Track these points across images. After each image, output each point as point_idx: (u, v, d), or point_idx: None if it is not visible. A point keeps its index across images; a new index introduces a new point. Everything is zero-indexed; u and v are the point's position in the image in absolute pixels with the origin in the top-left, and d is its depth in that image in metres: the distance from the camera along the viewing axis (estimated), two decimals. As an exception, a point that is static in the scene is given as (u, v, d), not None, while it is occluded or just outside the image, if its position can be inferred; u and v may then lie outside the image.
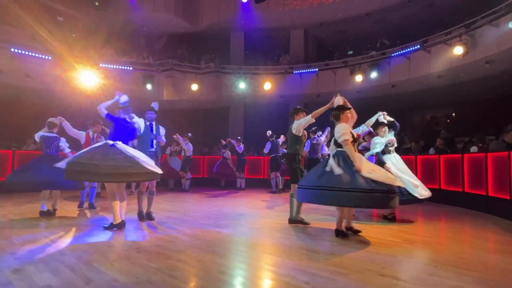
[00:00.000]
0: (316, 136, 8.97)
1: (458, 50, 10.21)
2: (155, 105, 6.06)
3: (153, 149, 5.82)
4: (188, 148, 11.01)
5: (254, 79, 14.78)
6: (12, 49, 11.11)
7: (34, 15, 10.85)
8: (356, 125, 5.59)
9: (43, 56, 11.66)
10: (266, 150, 10.96)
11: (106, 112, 5.00)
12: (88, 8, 13.53)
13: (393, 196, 4.27)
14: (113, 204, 4.91)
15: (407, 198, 5.69)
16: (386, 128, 6.12)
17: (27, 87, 11.62)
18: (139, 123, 5.66)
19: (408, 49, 12.29)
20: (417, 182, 5.83)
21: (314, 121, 5.43)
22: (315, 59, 15.88)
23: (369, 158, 5.87)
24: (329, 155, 4.78)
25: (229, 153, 12.03)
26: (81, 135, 6.84)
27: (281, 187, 11.16)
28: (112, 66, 13.27)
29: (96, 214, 6.35)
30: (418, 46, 11.96)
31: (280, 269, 3.36)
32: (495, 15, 9.48)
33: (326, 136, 9.13)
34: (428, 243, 4.52)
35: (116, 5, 13.76)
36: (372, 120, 6.21)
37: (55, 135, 6.11)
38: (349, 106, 4.89)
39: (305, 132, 6.03)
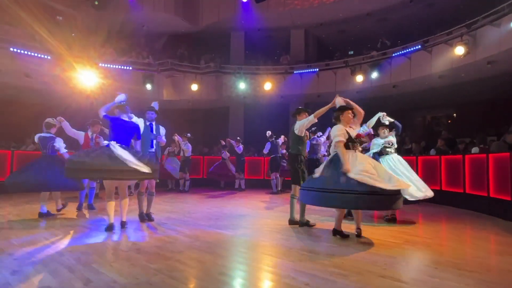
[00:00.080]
0: (315, 136, 8.93)
1: (459, 50, 10.18)
2: (155, 104, 6.02)
3: (153, 150, 5.79)
4: (187, 148, 10.99)
5: (254, 79, 14.76)
6: (12, 49, 11.10)
7: (33, 15, 10.83)
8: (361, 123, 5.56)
9: (43, 56, 11.64)
10: (265, 151, 10.93)
11: (103, 113, 5.00)
12: (88, 7, 13.49)
13: (393, 198, 4.24)
14: (107, 205, 4.95)
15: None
16: (386, 129, 6.10)
17: (27, 87, 11.59)
18: (139, 123, 5.62)
19: (409, 49, 12.27)
20: (414, 183, 5.76)
21: (316, 121, 5.41)
22: (315, 59, 15.85)
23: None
24: (325, 155, 4.81)
25: (227, 153, 11.99)
26: (79, 135, 6.81)
27: (279, 188, 11.14)
28: (111, 65, 13.24)
29: (95, 215, 6.32)
30: (419, 46, 11.93)
31: (280, 270, 3.34)
32: (496, 15, 9.45)
33: (326, 137, 9.10)
34: (429, 244, 4.50)
35: (116, 5, 13.72)
36: (373, 121, 6.18)
37: (52, 135, 6.07)
38: (351, 105, 4.87)
39: (307, 133, 6.01)
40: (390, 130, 6.18)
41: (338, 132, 4.53)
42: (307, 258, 3.73)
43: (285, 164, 10.82)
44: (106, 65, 12.94)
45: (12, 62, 11.00)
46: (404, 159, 6.23)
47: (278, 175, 11.02)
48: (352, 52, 15.71)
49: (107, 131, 6.52)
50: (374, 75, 12.82)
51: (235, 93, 14.78)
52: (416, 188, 5.68)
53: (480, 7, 10.13)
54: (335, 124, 4.75)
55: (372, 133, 6.34)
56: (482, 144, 8.70)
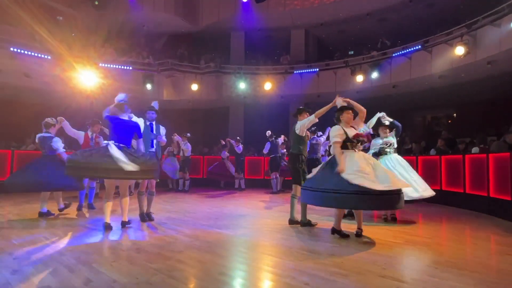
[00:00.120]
0: (315, 136, 8.93)
1: (460, 50, 10.18)
2: (155, 104, 6.01)
3: (153, 149, 5.78)
4: (186, 148, 10.98)
5: (254, 79, 14.76)
6: (12, 49, 11.10)
7: (33, 15, 10.84)
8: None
9: (43, 56, 11.65)
10: (265, 151, 10.92)
11: (105, 114, 5.01)
12: (88, 7, 13.51)
13: (386, 198, 4.23)
14: (105, 205, 4.98)
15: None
16: (387, 129, 6.10)
17: (27, 86, 11.60)
18: (139, 123, 5.62)
19: (409, 49, 12.27)
20: (412, 183, 5.73)
21: (317, 121, 5.41)
22: (315, 59, 15.86)
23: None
24: (323, 156, 4.85)
25: (227, 153, 11.97)
26: (80, 135, 6.80)
27: (279, 188, 11.13)
28: (111, 65, 13.24)
29: (95, 215, 6.32)
30: (419, 46, 11.94)
31: (280, 270, 3.34)
32: (496, 15, 9.46)
33: (326, 137, 9.10)
34: (429, 244, 4.50)
35: (116, 5, 13.73)
36: (373, 121, 6.18)
37: (50, 135, 6.04)
38: (352, 105, 4.88)
39: (308, 133, 6.01)
40: (391, 131, 6.18)
41: (334, 133, 4.60)
42: (307, 258, 3.73)
43: (284, 164, 10.82)
44: (106, 65, 12.94)
45: (12, 62, 11.00)
46: (404, 159, 6.23)
47: (278, 175, 11.02)
48: (352, 52, 15.71)
49: (107, 131, 6.53)
50: (374, 75, 12.82)
51: (235, 93, 14.78)
52: (412, 188, 5.68)
53: (480, 7, 10.13)
54: (336, 124, 4.76)
55: (372, 133, 6.33)
56: (482, 144, 8.70)
